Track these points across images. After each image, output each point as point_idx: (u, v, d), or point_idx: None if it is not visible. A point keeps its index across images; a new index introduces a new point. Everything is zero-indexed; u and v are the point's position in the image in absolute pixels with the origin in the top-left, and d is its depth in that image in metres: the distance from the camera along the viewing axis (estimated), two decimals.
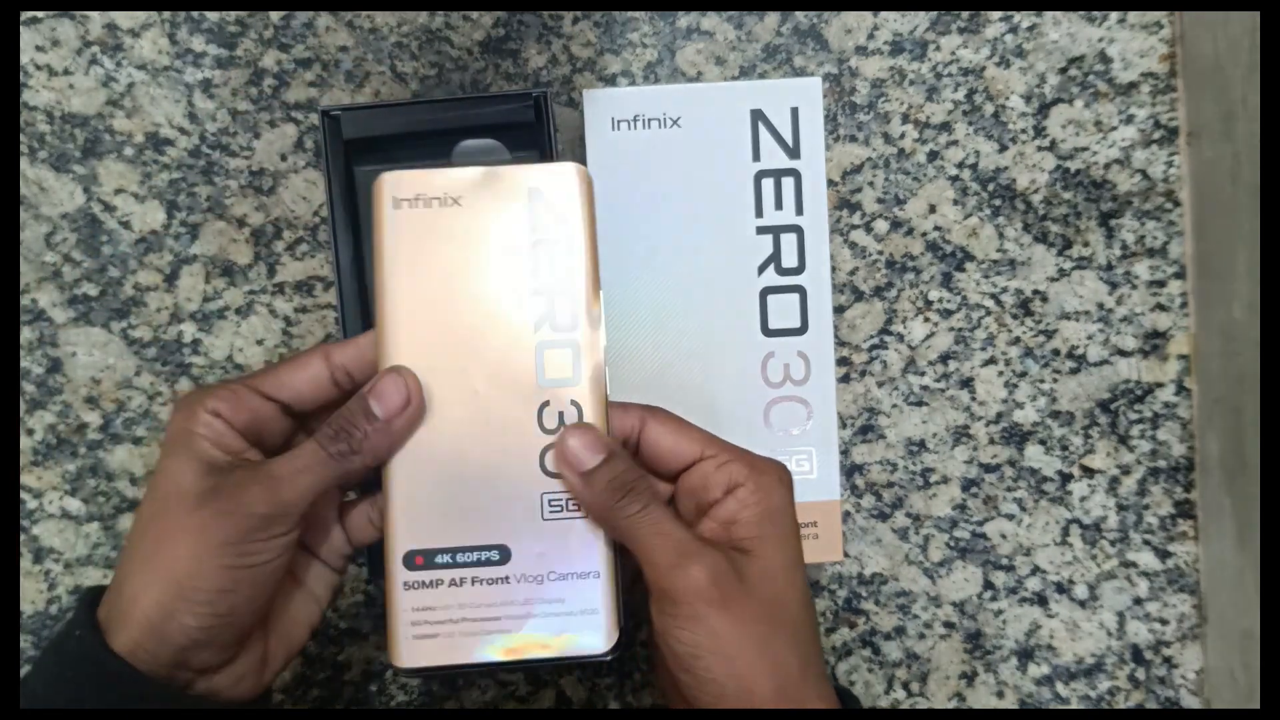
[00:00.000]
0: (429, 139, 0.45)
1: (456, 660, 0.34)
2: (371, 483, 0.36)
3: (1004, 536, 0.48)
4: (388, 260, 0.35)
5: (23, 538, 0.47)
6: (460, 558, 0.34)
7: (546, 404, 0.35)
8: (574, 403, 0.35)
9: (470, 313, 0.35)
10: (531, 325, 0.35)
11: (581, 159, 0.46)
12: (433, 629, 0.34)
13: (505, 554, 0.34)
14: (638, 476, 0.34)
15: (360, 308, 0.45)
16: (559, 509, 0.35)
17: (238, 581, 0.32)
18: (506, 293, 0.35)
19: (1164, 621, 0.47)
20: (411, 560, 0.34)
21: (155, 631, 0.31)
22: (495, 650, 0.34)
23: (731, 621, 0.32)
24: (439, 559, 0.34)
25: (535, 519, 0.35)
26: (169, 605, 0.31)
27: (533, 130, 0.44)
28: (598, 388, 0.35)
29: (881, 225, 0.48)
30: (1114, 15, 0.47)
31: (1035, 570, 0.48)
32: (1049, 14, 0.47)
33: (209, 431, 0.33)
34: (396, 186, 0.35)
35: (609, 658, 0.34)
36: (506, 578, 0.34)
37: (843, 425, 0.48)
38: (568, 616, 0.34)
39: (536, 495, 0.35)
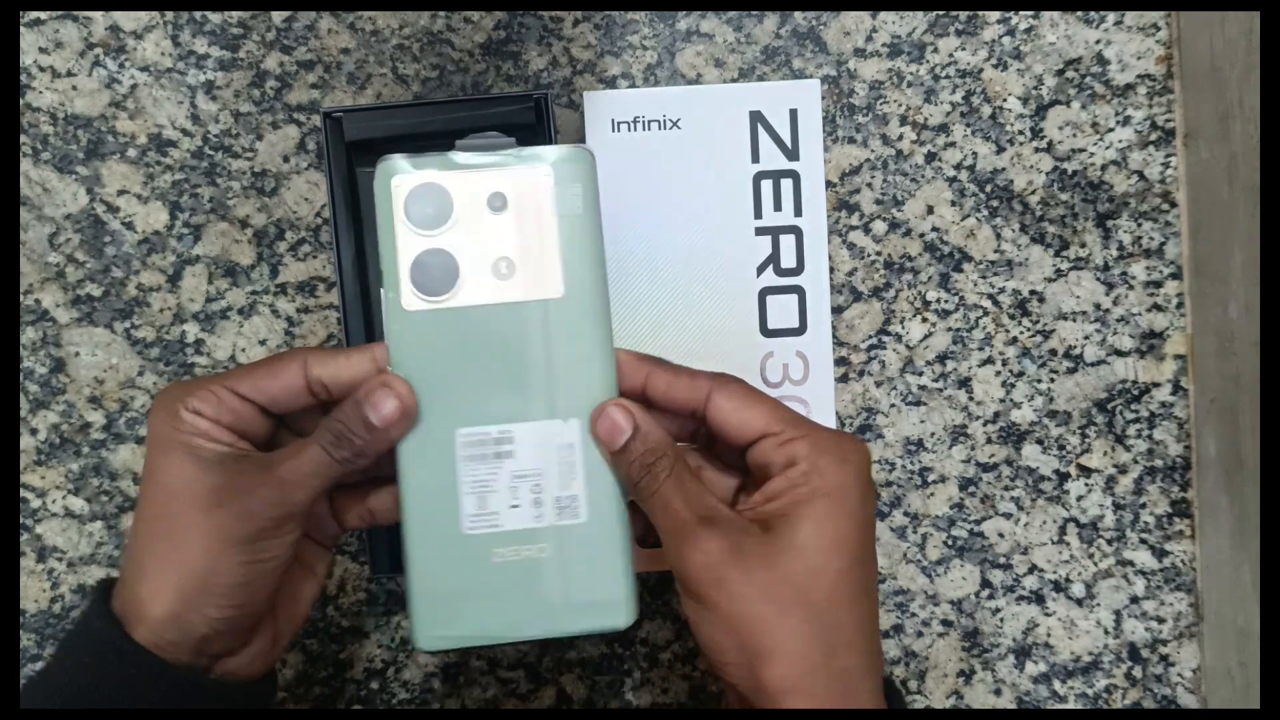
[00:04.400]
0: (430, 141, 0.45)
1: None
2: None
3: (1001, 535, 0.48)
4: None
5: (26, 537, 0.47)
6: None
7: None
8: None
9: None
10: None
11: None
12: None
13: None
14: (653, 454, 0.34)
15: (362, 308, 0.45)
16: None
17: (252, 575, 0.33)
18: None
19: (1161, 620, 0.48)
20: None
21: (177, 623, 0.33)
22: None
23: (731, 600, 0.32)
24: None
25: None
26: (190, 599, 0.33)
27: (533, 132, 0.45)
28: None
29: (880, 226, 0.48)
30: (1111, 17, 0.47)
31: (1032, 569, 0.48)
32: (1046, 16, 0.47)
33: (196, 430, 0.34)
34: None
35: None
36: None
37: (841, 425, 0.48)
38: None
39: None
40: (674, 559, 0.33)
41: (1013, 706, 0.48)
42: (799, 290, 0.48)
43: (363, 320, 0.45)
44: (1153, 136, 0.47)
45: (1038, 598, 0.48)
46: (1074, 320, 0.48)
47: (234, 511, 0.33)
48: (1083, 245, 0.48)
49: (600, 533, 0.35)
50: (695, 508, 0.33)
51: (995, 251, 0.48)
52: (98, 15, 0.47)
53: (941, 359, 0.48)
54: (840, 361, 0.48)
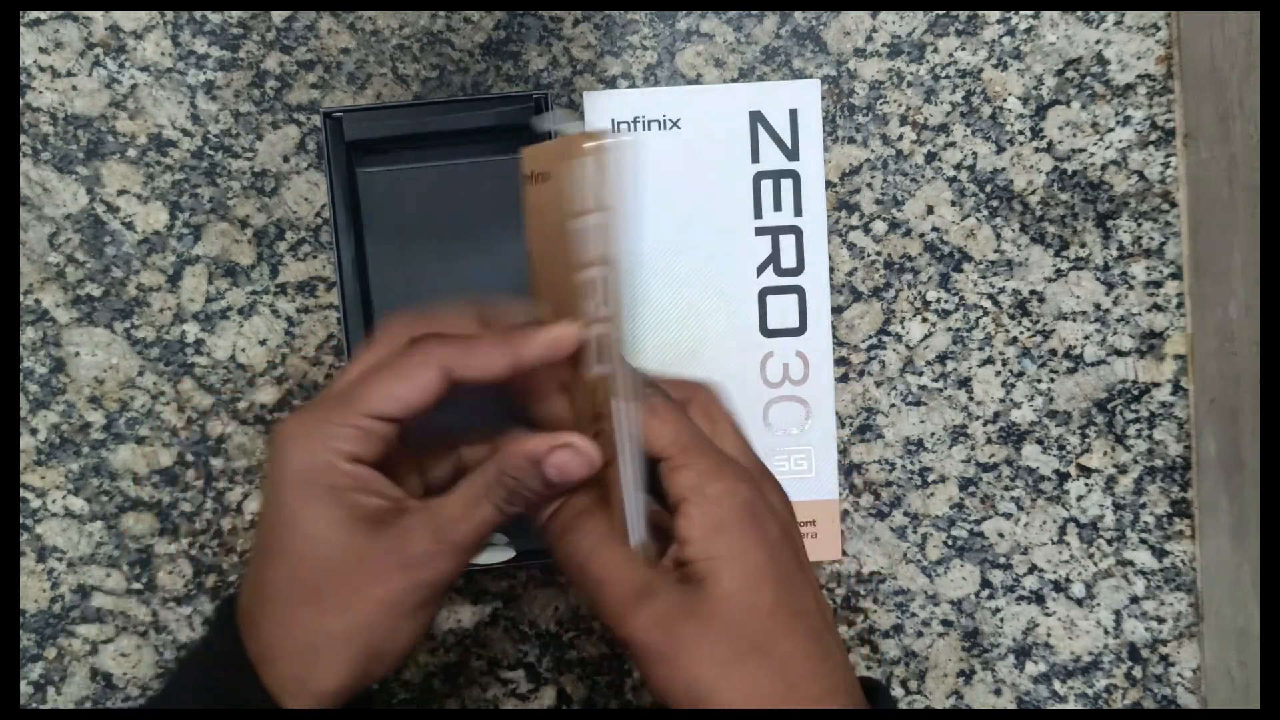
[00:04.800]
0: (430, 141, 0.45)
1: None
2: None
3: (1001, 535, 0.48)
4: (531, 231, 0.34)
5: (26, 537, 0.47)
6: None
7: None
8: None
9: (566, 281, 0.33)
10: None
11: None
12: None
13: None
14: (581, 516, 0.33)
15: (362, 308, 0.45)
16: None
17: (425, 628, 0.33)
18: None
19: (1161, 620, 0.48)
20: None
21: (347, 691, 0.32)
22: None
23: (684, 662, 0.31)
24: None
25: None
26: (369, 670, 0.32)
27: (533, 132, 0.45)
28: (627, 372, 0.33)
29: (880, 226, 0.48)
30: (1111, 17, 0.47)
31: (1032, 569, 0.48)
32: (1046, 16, 0.47)
33: (357, 483, 0.32)
34: (531, 161, 0.33)
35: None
36: None
37: (841, 425, 0.48)
38: None
39: None
40: (619, 629, 0.32)
41: (1013, 706, 0.48)
42: (799, 290, 0.48)
43: (362, 320, 0.45)
44: (1153, 136, 0.48)
45: (1038, 598, 0.48)
46: (1074, 320, 0.48)
47: (411, 583, 0.31)
48: (1083, 245, 0.48)
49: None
50: (629, 579, 0.32)
51: (995, 251, 0.48)
52: (98, 15, 0.47)
53: (941, 359, 0.48)
54: (840, 361, 0.48)
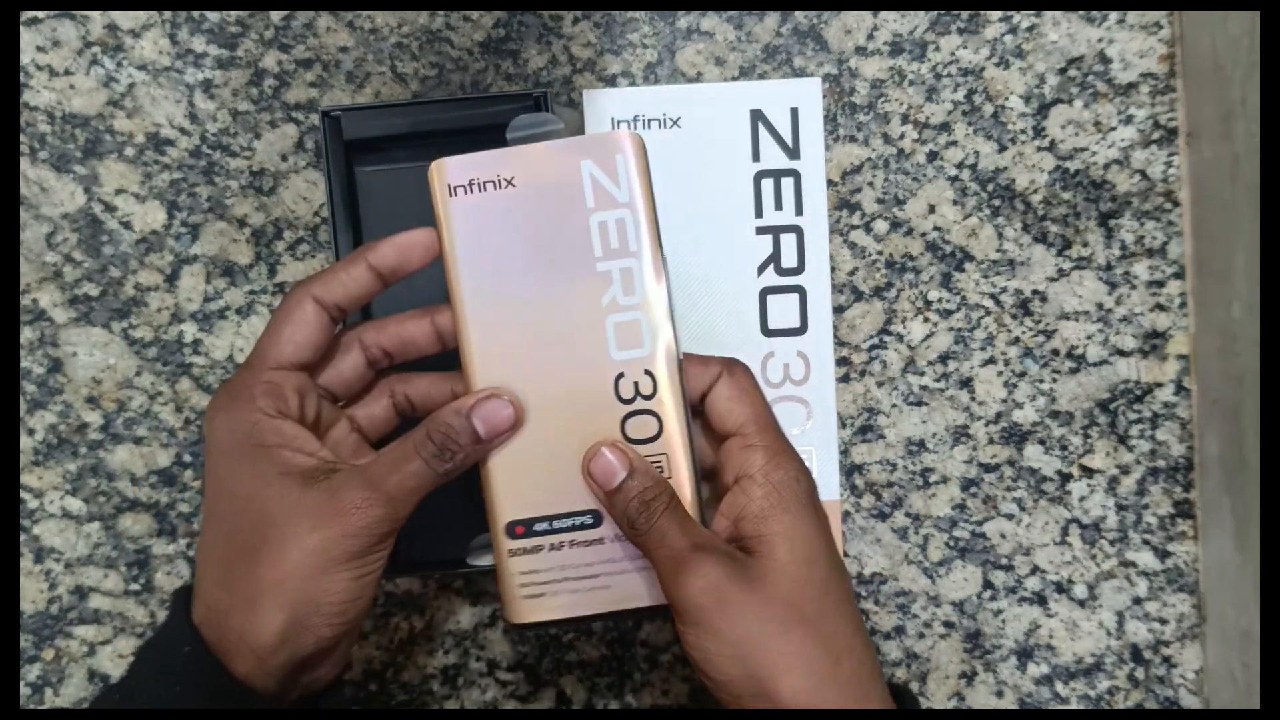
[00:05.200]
0: (429, 139, 0.45)
1: (564, 615, 0.36)
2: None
3: (1003, 536, 0.48)
4: (454, 248, 0.36)
5: (24, 537, 0.47)
6: (557, 524, 0.36)
7: (621, 375, 0.36)
8: (647, 372, 0.36)
9: (540, 292, 0.36)
10: (600, 299, 0.36)
11: None
12: (539, 589, 0.36)
13: (597, 517, 0.36)
14: (651, 492, 0.34)
15: (360, 311, 0.45)
16: None
17: (361, 589, 0.34)
18: (573, 268, 0.36)
19: (1163, 621, 0.48)
20: (513, 530, 0.36)
21: (287, 647, 0.33)
22: (596, 603, 0.36)
23: (734, 624, 0.32)
24: (537, 527, 0.36)
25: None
26: (303, 622, 0.33)
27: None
28: (668, 354, 0.36)
29: (881, 225, 0.48)
30: (1113, 16, 0.47)
31: (1035, 570, 0.48)
32: (1048, 14, 0.47)
33: (283, 439, 0.33)
34: (449, 173, 0.36)
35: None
36: (601, 539, 0.36)
37: (842, 425, 0.48)
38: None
39: None
40: (673, 588, 0.33)
41: (1015, 708, 0.48)
42: (800, 290, 0.47)
43: (360, 319, 0.44)
44: (1155, 135, 0.47)
45: (1040, 599, 0.48)
46: (1076, 320, 0.48)
47: (341, 531, 0.33)
48: (1085, 245, 0.47)
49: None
50: (691, 537, 0.33)
51: (997, 251, 0.48)
52: (95, 14, 0.46)
53: (943, 359, 0.48)
54: (841, 361, 0.48)
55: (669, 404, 0.36)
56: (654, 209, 0.36)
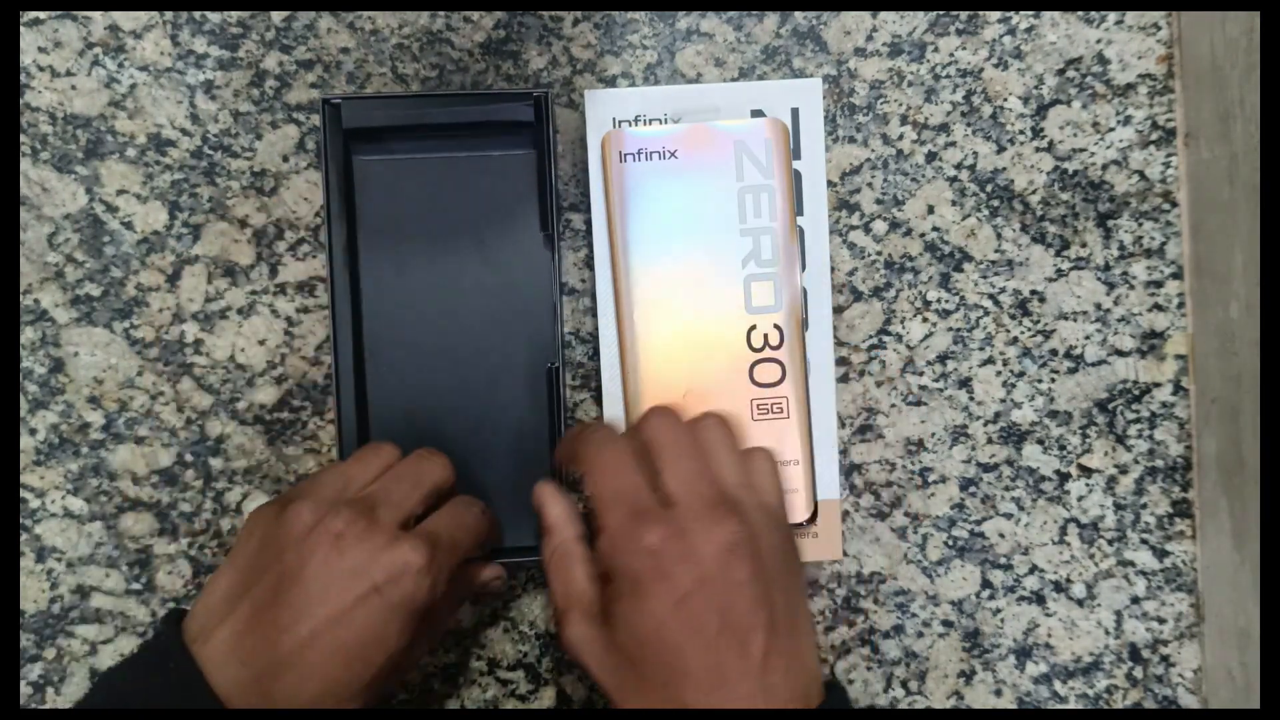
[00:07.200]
0: (428, 133, 0.45)
1: None
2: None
3: (1002, 535, 0.48)
4: (624, 206, 0.43)
5: (25, 537, 0.47)
6: None
7: (754, 327, 0.44)
8: (776, 326, 0.44)
9: (691, 249, 0.43)
10: (740, 260, 0.44)
11: (582, 160, 0.47)
12: None
13: None
14: (561, 549, 0.38)
15: (351, 297, 0.45)
16: (765, 412, 0.44)
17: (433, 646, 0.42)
18: (719, 232, 0.43)
19: (1161, 620, 0.48)
20: None
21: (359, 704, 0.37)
22: None
23: (600, 668, 0.36)
24: None
25: (747, 420, 0.44)
26: (386, 690, 0.40)
27: (533, 130, 0.45)
28: (794, 313, 0.44)
29: (880, 226, 0.48)
30: (1112, 16, 0.47)
31: (1033, 569, 0.48)
32: (1047, 15, 0.47)
33: (431, 597, 0.37)
34: (623, 142, 0.43)
35: (805, 524, 0.45)
36: None
37: (841, 425, 0.48)
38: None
39: (747, 401, 0.44)
40: (558, 628, 0.37)
41: (1014, 707, 0.48)
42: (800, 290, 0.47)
43: (350, 311, 0.44)
44: (1153, 136, 0.47)
45: (1038, 598, 0.48)
46: (1075, 320, 0.48)
47: (433, 629, 0.41)
48: (1083, 245, 0.48)
49: None
50: (560, 591, 0.38)
51: (996, 251, 0.48)
52: (97, 15, 0.47)
53: (942, 359, 0.48)
54: (841, 361, 0.48)
55: (792, 355, 0.44)
56: (792, 187, 0.43)
